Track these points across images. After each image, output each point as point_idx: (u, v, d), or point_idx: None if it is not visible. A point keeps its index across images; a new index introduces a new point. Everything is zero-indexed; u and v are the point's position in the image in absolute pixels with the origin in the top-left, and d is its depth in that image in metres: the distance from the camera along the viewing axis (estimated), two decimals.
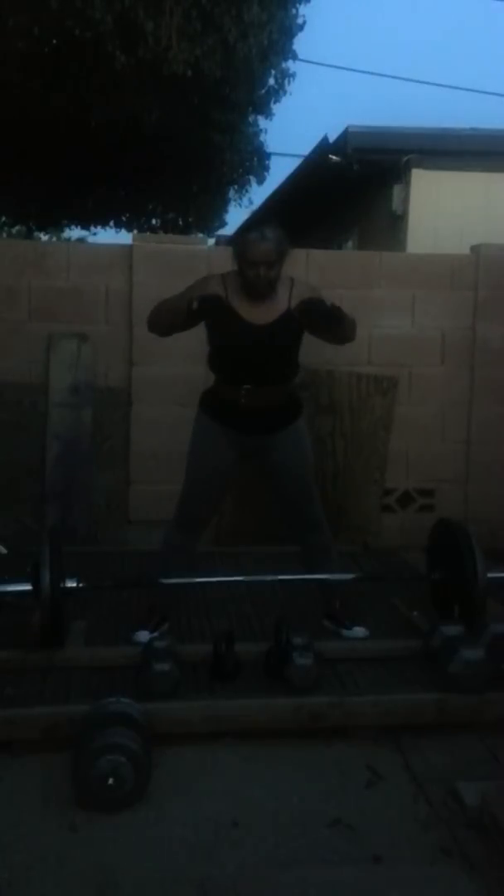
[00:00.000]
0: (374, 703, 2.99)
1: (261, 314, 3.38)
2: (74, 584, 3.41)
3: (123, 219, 12.81)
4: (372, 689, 3.12)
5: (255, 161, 11.24)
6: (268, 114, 10.42)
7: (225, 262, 5.25)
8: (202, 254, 5.32)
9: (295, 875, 2.25)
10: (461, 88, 24.15)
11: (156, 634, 3.49)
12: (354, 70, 27.77)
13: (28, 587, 3.27)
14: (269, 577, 3.85)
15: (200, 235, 10.81)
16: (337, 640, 3.61)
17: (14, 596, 3.41)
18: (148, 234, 11.43)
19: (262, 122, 10.97)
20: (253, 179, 11.55)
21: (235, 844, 2.40)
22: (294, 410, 3.58)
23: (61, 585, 3.30)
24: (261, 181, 11.61)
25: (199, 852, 2.36)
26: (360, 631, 3.69)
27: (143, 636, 3.51)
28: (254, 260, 3.29)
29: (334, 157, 7.97)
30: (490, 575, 3.47)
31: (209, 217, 13.01)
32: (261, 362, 3.41)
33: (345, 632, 3.68)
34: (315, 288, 3.56)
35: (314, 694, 3.01)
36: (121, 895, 2.18)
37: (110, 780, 2.49)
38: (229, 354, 3.46)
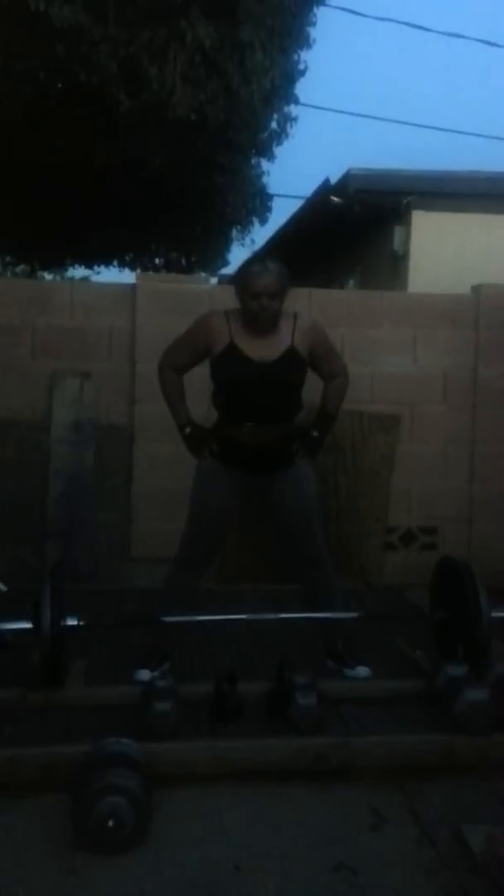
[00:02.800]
0: (378, 744, 2.95)
1: (264, 351, 3.40)
2: (75, 623, 3.38)
3: (127, 258, 12.93)
4: (376, 730, 3.09)
5: (257, 202, 11.35)
6: (270, 156, 10.54)
7: (227, 300, 5.31)
8: (205, 293, 5.37)
9: None
10: (461, 132, 24.46)
11: (157, 674, 3.46)
12: (355, 114, 28.13)
13: (28, 625, 3.25)
14: (272, 616, 3.82)
15: (203, 275, 10.90)
16: (340, 679, 3.58)
17: (14, 634, 3.38)
18: (151, 273, 11.54)
19: (265, 164, 11.10)
20: (255, 220, 11.65)
21: (237, 888, 2.35)
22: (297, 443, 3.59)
23: (62, 623, 3.27)
24: (263, 221, 11.73)
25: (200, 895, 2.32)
26: (362, 671, 3.65)
27: (144, 675, 3.48)
28: (256, 291, 3.32)
29: (336, 199, 8.06)
30: (494, 614, 3.45)
31: (212, 256, 13.12)
32: (264, 399, 3.42)
33: (348, 671, 3.65)
34: (316, 324, 3.59)
35: (317, 735, 2.97)
36: None
37: (110, 822, 2.45)
38: (232, 391, 3.47)
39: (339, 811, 2.75)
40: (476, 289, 5.61)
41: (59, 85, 7.74)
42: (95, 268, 14.00)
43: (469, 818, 2.65)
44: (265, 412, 3.45)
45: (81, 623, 3.41)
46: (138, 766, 2.61)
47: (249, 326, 3.41)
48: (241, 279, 3.43)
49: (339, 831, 2.64)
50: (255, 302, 3.34)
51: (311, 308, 5.30)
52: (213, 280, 12.74)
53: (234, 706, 3.17)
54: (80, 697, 3.32)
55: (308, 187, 9.00)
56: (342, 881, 2.40)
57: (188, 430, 3.57)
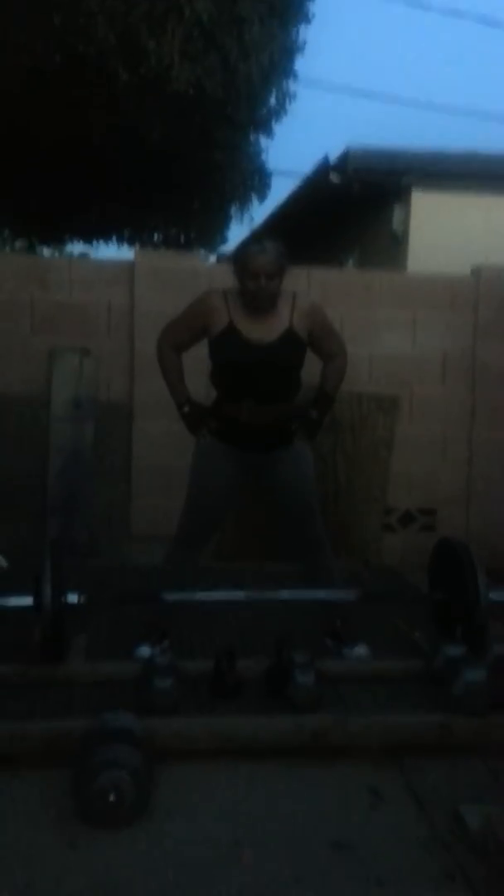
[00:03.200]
0: (376, 723, 2.97)
1: (262, 332, 3.39)
2: (75, 599, 3.39)
3: (125, 234, 12.84)
4: (374, 710, 3.11)
5: (256, 179, 11.28)
6: (269, 133, 10.47)
7: (226, 278, 5.29)
8: (203, 270, 5.35)
9: None
10: (462, 111, 24.33)
11: (157, 650, 3.48)
12: (355, 91, 27.99)
13: (29, 601, 3.26)
14: (271, 595, 3.83)
15: (202, 252, 10.84)
16: (338, 659, 3.60)
17: (15, 610, 3.39)
18: (150, 249, 11.47)
19: (264, 141, 11.02)
20: (254, 197, 11.58)
21: (235, 864, 2.37)
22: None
23: (63, 600, 3.28)
24: (262, 199, 11.65)
25: (199, 871, 2.33)
26: (361, 650, 3.67)
27: (145, 652, 3.50)
28: (255, 271, 3.30)
29: (335, 177, 8.01)
30: (492, 595, 3.47)
31: (211, 234, 13.03)
32: (263, 380, 3.42)
33: (346, 651, 3.67)
34: (315, 304, 3.58)
35: (315, 713, 2.99)
36: None
37: (111, 796, 2.46)
38: (231, 372, 3.47)
39: (338, 789, 2.77)
40: (476, 270, 5.60)
41: (57, 57, 7.66)
42: (94, 243, 13.90)
43: (466, 797, 2.67)
44: (264, 393, 3.44)
45: (82, 599, 3.42)
46: (139, 742, 2.62)
47: (248, 307, 3.40)
48: (239, 259, 3.40)
49: (338, 809, 2.66)
50: (253, 282, 3.32)
51: (309, 288, 5.29)
52: (212, 257, 12.67)
53: (233, 683, 3.18)
54: (80, 673, 3.33)
55: (307, 165, 8.95)
56: (340, 858, 2.42)
57: (187, 408, 3.57)
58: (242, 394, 3.44)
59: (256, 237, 3.59)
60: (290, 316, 3.43)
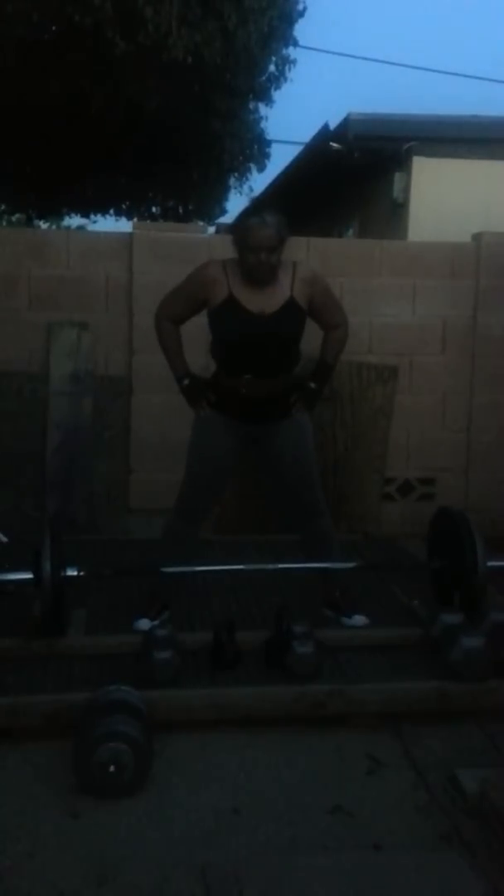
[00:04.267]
0: (374, 691, 3.00)
1: (263, 303, 3.37)
2: (75, 573, 3.41)
3: (123, 206, 12.77)
4: (372, 678, 3.12)
5: (255, 148, 11.19)
6: (268, 101, 10.38)
7: (225, 250, 5.25)
8: (202, 242, 5.31)
9: (295, 862, 2.26)
10: (463, 75, 24.03)
11: (156, 623, 3.50)
12: (355, 57, 27.59)
13: (29, 576, 3.28)
14: (270, 566, 3.85)
15: (201, 223, 10.77)
16: (337, 628, 3.61)
17: (15, 584, 3.41)
18: (148, 221, 11.40)
19: (263, 109, 10.94)
20: (253, 167, 11.50)
21: (236, 831, 2.41)
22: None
23: (62, 574, 3.30)
24: (261, 169, 11.57)
25: (200, 839, 2.37)
26: (360, 619, 3.69)
27: (144, 624, 3.52)
28: (255, 245, 3.27)
29: (335, 145, 7.94)
30: (490, 563, 3.48)
31: (209, 205, 12.96)
32: (263, 352, 3.40)
33: (345, 620, 3.69)
34: (316, 273, 3.54)
35: (314, 682, 3.02)
36: (121, 882, 2.19)
37: (111, 768, 2.50)
38: (231, 344, 3.45)
39: (336, 756, 2.80)
40: (476, 237, 5.55)
41: (54, 27, 7.58)
42: (91, 216, 13.82)
43: (463, 762, 2.70)
44: (264, 364, 3.43)
45: (81, 573, 3.44)
46: (139, 713, 2.65)
47: (248, 278, 3.38)
48: (239, 232, 3.36)
49: (336, 775, 2.70)
50: (253, 256, 3.29)
51: (309, 257, 5.25)
52: (211, 229, 12.59)
53: (232, 654, 3.21)
54: (81, 646, 3.35)
55: (307, 133, 8.86)
56: (339, 823, 2.46)
57: (186, 381, 3.56)
58: (242, 365, 3.43)
59: (256, 209, 3.54)
60: (291, 285, 3.40)
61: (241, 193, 12.35)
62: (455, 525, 3.64)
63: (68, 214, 15.60)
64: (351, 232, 9.67)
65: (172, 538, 3.69)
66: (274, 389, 3.46)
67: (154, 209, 12.77)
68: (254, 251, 3.28)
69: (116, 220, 13.27)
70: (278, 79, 9.89)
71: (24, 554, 3.35)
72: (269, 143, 11.42)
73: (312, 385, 3.57)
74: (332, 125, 7.98)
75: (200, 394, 3.54)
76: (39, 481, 5.10)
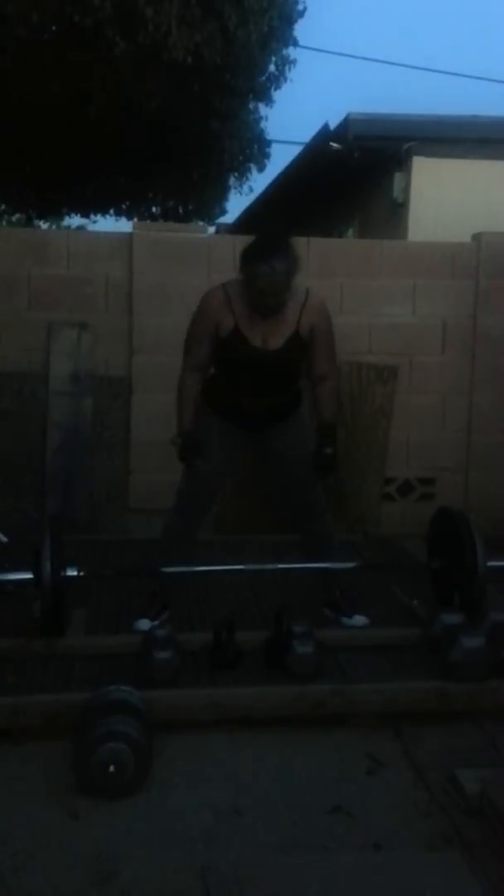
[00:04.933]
0: (374, 691, 2.99)
1: (268, 335, 3.33)
2: (75, 573, 3.41)
3: (123, 207, 12.77)
4: (372, 678, 3.12)
5: (255, 148, 11.19)
6: (268, 101, 10.37)
7: (224, 251, 5.27)
8: (202, 242, 5.32)
9: (295, 862, 2.26)
10: (463, 75, 24.05)
11: (156, 623, 3.50)
12: (355, 57, 27.61)
13: (29, 576, 3.28)
14: (270, 566, 3.85)
15: (201, 223, 10.77)
16: (337, 628, 3.62)
17: (15, 584, 3.42)
18: (148, 221, 11.40)
19: (263, 109, 10.93)
20: (253, 167, 11.50)
21: (236, 831, 2.40)
22: (295, 401, 3.58)
23: (62, 574, 3.30)
24: (261, 169, 11.57)
25: (200, 839, 2.37)
26: (360, 619, 3.69)
27: (144, 624, 3.52)
28: (262, 291, 3.22)
29: (335, 145, 7.92)
30: (490, 563, 3.48)
31: (209, 205, 12.95)
32: (264, 379, 3.41)
33: (345, 620, 3.69)
34: (325, 310, 3.47)
35: (314, 682, 3.01)
36: (122, 882, 2.19)
37: (111, 768, 2.49)
38: (233, 371, 3.45)
39: (336, 756, 2.80)
40: (476, 236, 5.55)
41: (54, 27, 7.58)
42: (91, 216, 13.82)
43: (463, 762, 2.69)
44: (265, 388, 3.44)
45: (81, 573, 3.44)
46: (139, 713, 2.65)
47: (253, 311, 3.32)
48: (247, 273, 3.25)
49: (336, 775, 2.70)
50: (260, 300, 3.25)
51: (309, 257, 5.25)
52: (211, 229, 12.59)
53: (232, 654, 3.21)
54: (81, 646, 3.36)
55: (307, 133, 8.85)
56: (339, 823, 2.46)
57: (183, 439, 3.47)
58: (243, 388, 3.44)
59: (265, 245, 3.29)
60: (298, 318, 3.34)
61: (241, 193, 12.36)
62: (455, 525, 3.65)
63: (68, 214, 15.60)
64: (351, 232, 9.66)
65: (171, 538, 3.69)
66: (274, 403, 3.47)
67: (154, 209, 12.77)
68: (261, 295, 3.24)
69: (116, 220, 13.28)
70: (278, 79, 9.89)
71: (24, 554, 3.35)
72: (269, 143, 11.42)
73: (328, 451, 3.47)
74: (332, 125, 7.98)
75: (195, 453, 3.47)
76: (39, 481, 5.10)
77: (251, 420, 3.49)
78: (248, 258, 3.25)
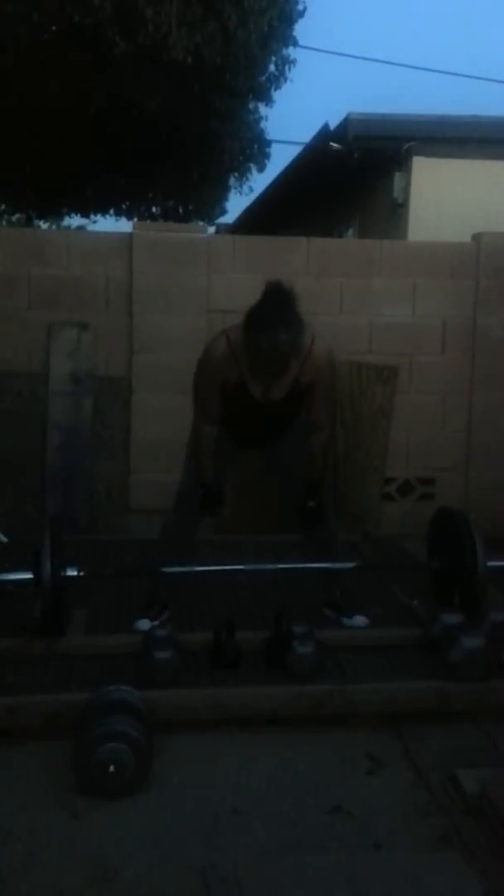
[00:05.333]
0: (374, 690, 3.00)
1: (270, 387, 3.33)
2: (75, 573, 3.41)
3: (123, 207, 12.76)
4: (372, 678, 3.13)
5: (255, 148, 11.18)
6: (268, 101, 10.37)
7: (224, 251, 5.28)
8: (202, 242, 5.32)
9: (295, 861, 2.26)
10: (463, 75, 24.02)
11: (156, 623, 3.50)
12: (355, 57, 27.55)
13: (29, 576, 3.28)
14: (270, 566, 3.85)
15: (201, 223, 10.77)
16: (337, 628, 3.62)
17: (15, 584, 3.42)
18: (148, 221, 11.40)
19: (263, 109, 10.92)
20: (253, 167, 11.50)
21: (236, 831, 2.41)
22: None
23: (62, 574, 3.30)
24: (261, 169, 11.56)
25: (200, 839, 2.37)
26: (360, 619, 3.69)
27: (144, 624, 3.52)
28: (267, 360, 3.20)
29: (335, 145, 7.92)
30: (490, 563, 3.48)
31: (209, 205, 12.95)
32: (264, 421, 3.45)
33: (345, 620, 3.69)
34: (327, 363, 3.47)
35: (314, 682, 3.02)
36: (122, 881, 2.19)
37: (111, 768, 2.50)
38: (233, 412, 3.45)
39: (336, 756, 2.80)
40: (477, 237, 5.55)
41: (54, 27, 7.58)
42: (91, 216, 13.82)
43: (463, 762, 2.70)
44: (263, 426, 3.48)
45: (81, 573, 3.44)
46: (139, 713, 2.65)
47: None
48: (252, 342, 3.17)
49: (336, 775, 2.70)
50: (266, 367, 3.24)
51: (309, 257, 5.26)
52: (211, 229, 12.59)
53: (232, 654, 3.21)
54: (81, 646, 3.35)
55: (307, 133, 8.85)
56: (339, 823, 2.46)
57: (203, 491, 3.51)
58: (242, 424, 3.46)
59: (271, 312, 3.15)
60: (300, 369, 3.31)
61: (241, 193, 12.36)
62: (455, 525, 3.65)
63: (68, 214, 15.59)
64: (351, 232, 9.66)
65: (170, 538, 3.70)
66: (273, 434, 3.52)
67: (154, 209, 12.76)
68: (267, 363, 3.21)
69: (116, 220, 13.27)
70: (278, 79, 9.88)
71: (24, 554, 3.35)
72: (269, 143, 11.42)
73: (311, 504, 3.51)
74: (332, 125, 7.97)
75: (216, 503, 3.54)
76: (39, 481, 5.10)
77: (249, 444, 3.56)
78: (254, 327, 3.15)
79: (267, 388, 3.31)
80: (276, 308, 3.15)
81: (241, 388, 3.32)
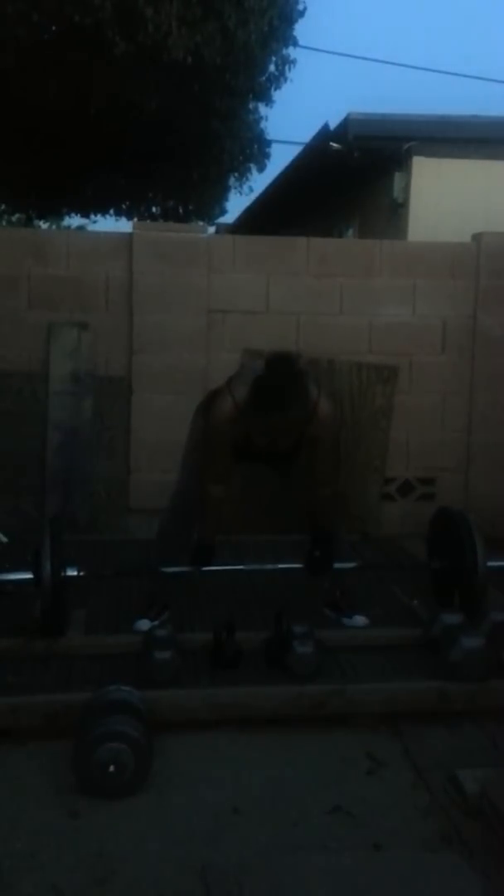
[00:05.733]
0: (374, 691, 3.00)
1: (275, 442, 3.33)
2: (75, 573, 3.41)
3: (123, 207, 12.77)
4: (372, 678, 3.13)
5: (255, 148, 11.19)
6: (268, 101, 10.37)
7: (224, 251, 5.27)
8: (202, 242, 5.32)
9: (295, 862, 2.26)
10: (463, 75, 24.03)
11: (156, 623, 3.50)
12: (355, 56, 27.58)
13: (29, 576, 3.28)
14: (270, 566, 3.85)
15: (201, 223, 10.77)
16: (337, 628, 3.62)
17: (15, 584, 3.41)
18: (148, 221, 11.40)
19: (263, 109, 10.93)
20: (253, 167, 11.50)
21: (236, 831, 2.41)
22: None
23: (62, 574, 3.30)
24: (261, 169, 11.57)
25: (200, 839, 2.37)
26: (360, 619, 3.69)
27: (144, 625, 3.52)
28: (273, 438, 3.25)
29: (335, 145, 7.93)
30: (490, 563, 3.48)
31: (209, 205, 12.96)
32: (273, 464, 3.54)
33: (345, 620, 3.69)
34: (334, 416, 3.49)
35: (314, 682, 3.02)
36: (121, 882, 2.19)
37: (111, 768, 2.50)
38: (242, 458, 3.48)
39: (336, 756, 2.80)
40: (476, 237, 5.55)
41: (54, 27, 7.58)
42: (91, 216, 13.82)
43: (463, 762, 2.69)
44: (273, 466, 3.58)
45: (81, 573, 3.44)
46: (139, 713, 2.65)
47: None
48: (257, 420, 3.18)
49: (336, 775, 2.70)
50: (271, 441, 3.28)
51: (309, 258, 5.26)
52: (211, 229, 12.59)
53: (232, 654, 3.21)
54: (81, 646, 3.35)
55: (307, 133, 8.86)
56: (339, 823, 2.45)
57: (197, 545, 3.53)
58: (249, 466, 3.53)
59: (276, 393, 3.12)
60: (303, 430, 3.31)
61: (241, 193, 12.37)
62: (455, 525, 3.65)
63: (68, 214, 15.60)
64: (351, 232, 9.67)
65: (168, 538, 3.70)
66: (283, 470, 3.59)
67: (154, 209, 12.76)
68: (272, 439, 3.26)
69: (116, 220, 13.27)
70: (278, 79, 9.88)
71: (24, 554, 3.35)
72: (269, 143, 11.42)
73: (317, 555, 3.53)
74: (332, 125, 7.98)
75: (205, 562, 3.54)
76: (39, 481, 5.10)
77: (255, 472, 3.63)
78: (261, 406, 3.14)
79: (273, 441, 3.31)
80: (284, 387, 3.12)
81: (248, 443, 3.34)
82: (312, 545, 3.55)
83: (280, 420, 3.14)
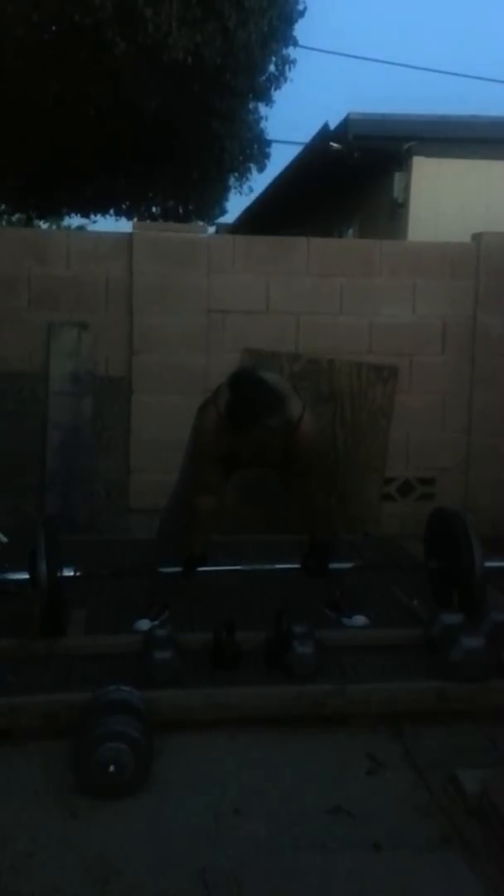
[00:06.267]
0: (374, 691, 3.00)
1: (263, 454, 3.38)
2: (72, 573, 3.41)
3: (123, 207, 12.77)
4: (372, 678, 3.12)
5: (255, 148, 11.19)
6: (268, 101, 10.37)
7: (224, 251, 5.27)
8: (202, 242, 5.31)
9: (295, 862, 2.26)
10: (463, 75, 24.04)
11: (156, 623, 3.50)
12: (355, 57, 27.59)
13: (26, 576, 3.28)
14: (270, 566, 3.85)
15: (201, 223, 10.77)
16: (337, 628, 3.62)
17: (13, 584, 3.41)
18: (148, 221, 11.40)
19: (263, 109, 10.94)
20: (253, 167, 11.50)
21: (236, 831, 2.41)
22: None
23: (58, 574, 3.30)
24: (261, 169, 11.57)
25: (200, 839, 2.37)
26: (360, 619, 3.69)
27: (144, 624, 3.52)
28: (253, 449, 3.29)
29: (335, 145, 7.91)
30: (488, 563, 3.47)
31: (209, 205, 12.96)
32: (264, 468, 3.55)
33: (345, 620, 3.69)
34: (314, 438, 3.51)
35: (314, 682, 3.01)
36: (121, 882, 2.19)
37: (111, 768, 2.50)
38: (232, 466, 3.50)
39: (337, 756, 2.80)
40: (476, 237, 5.54)
41: (54, 27, 7.57)
42: (91, 216, 13.82)
43: (463, 762, 2.70)
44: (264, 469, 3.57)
45: (77, 573, 3.44)
46: (139, 713, 2.65)
47: None
48: (236, 431, 3.19)
49: (337, 775, 2.70)
50: (251, 450, 3.31)
51: (309, 258, 5.26)
52: (211, 229, 12.59)
53: (232, 654, 3.20)
54: (81, 646, 3.35)
55: (307, 133, 8.85)
56: (339, 823, 2.46)
57: (185, 560, 3.53)
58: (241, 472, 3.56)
59: (252, 404, 3.14)
60: (284, 445, 3.35)
61: (241, 193, 12.37)
62: (450, 525, 3.64)
63: (68, 214, 15.60)
64: (351, 232, 9.66)
65: (167, 538, 3.69)
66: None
67: (154, 209, 12.77)
68: (252, 449, 3.29)
69: (116, 220, 13.28)
70: (278, 79, 9.88)
71: (24, 554, 3.35)
72: (269, 143, 11.42)
73: (312, 564, 3.56)
74: (332, 125, 7.97)
75: (189, 576, 3.55)
76: (39, 481, 5.10)
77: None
78: (232, 425, 3.18)
79: (259, 454, 3.35)
80: (248, 404, 3.14)
81: (233, 456, 3.38)
82: (307, 553, 3.58)
83: (257, 432, 3.14)
